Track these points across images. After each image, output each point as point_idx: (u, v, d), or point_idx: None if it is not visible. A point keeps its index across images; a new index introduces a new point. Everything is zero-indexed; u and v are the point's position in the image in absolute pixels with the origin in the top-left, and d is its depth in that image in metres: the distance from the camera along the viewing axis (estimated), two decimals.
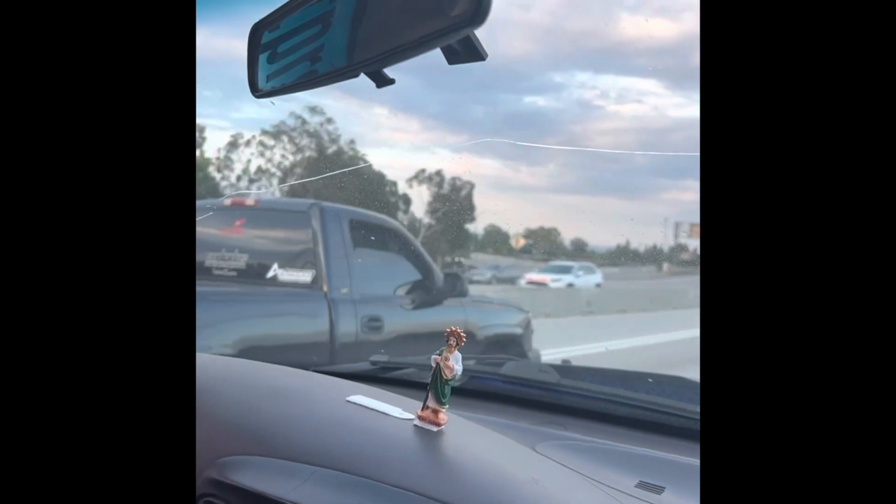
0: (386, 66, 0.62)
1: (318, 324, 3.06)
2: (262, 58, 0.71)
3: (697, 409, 1.05)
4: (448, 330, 0.70)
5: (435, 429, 0.71)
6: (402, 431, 0.72)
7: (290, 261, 3.30)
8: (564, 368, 1.23)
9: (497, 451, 0.75)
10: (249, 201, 3.59)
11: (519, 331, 4.37)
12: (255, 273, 3.37)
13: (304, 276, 3.21)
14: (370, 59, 0.61)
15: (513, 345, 4.23)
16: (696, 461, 0.88)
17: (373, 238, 3.59)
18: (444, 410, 0.71)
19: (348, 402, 0.80)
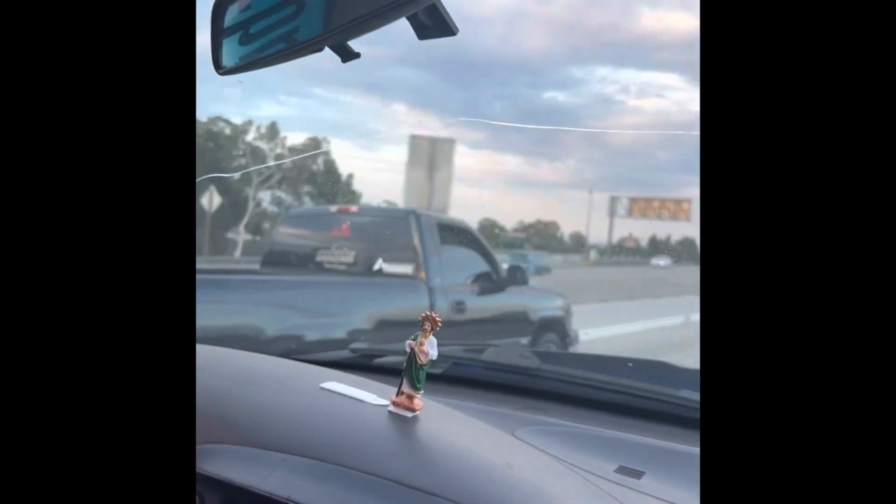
0: (350, 38, 0.60)
1: (421, 308, 3.88)
2: (231, 37, 0.69)
3: (678, 392, 1.08)
4: (423, 314, 0.70)
5: (410, 414, 0.69)
6: (376, 418, 0.71)
7: (392, 256, 4.11)
8: (546, 354, 1.27)
9: (473, 436, 0.74)
10: (353, 208, 4.40)
11: (562, 314, 5.20)
12: (361, 266, 4.18)
13: (406, 269, 4.02)
14: (333, 32, 0.59)
15: (558, 326, 5.06)
16: (676, 445, 0.91)
17: (453, 237, 4.40)
18: (419, 396, 0.70)
19: (322, 389, 0.79)
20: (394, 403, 0.70)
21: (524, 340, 4.63)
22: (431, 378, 1.18)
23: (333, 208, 4.50)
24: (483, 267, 4.51)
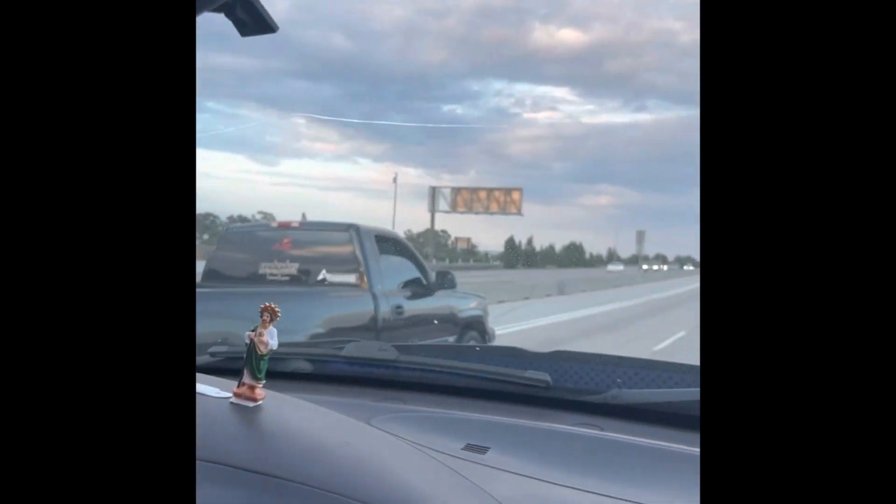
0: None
1: (366, 312, 4.25)
2: None
3: (524, 373, 1.13)
4: (262, 305, 0.70)
5: (252, 404, 0.70)
6: (216, 409, 0.70)
7: (335, 267, 4.46)
8: (404, 347, 1.32)
9: (314, 421, 0.75)
10: (294, 223, 4.70)
11: (481, 313, 5.71)
12: (304, 277, 4.49)
13: (349, 278, 4.38)
14: None
15: (478, 324, 5.57)
16: (520, 421, 0.96)
17: (388, 247, 4.79)
18: (260, 386, 0.71)
19: None
20: (235, 394, 0.70)
21: (451, 339, 5.11)
22: (298, 378, 1.16)
23: (274, 223, 4.78)
24: (415, 273, 4.93)
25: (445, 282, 5.06)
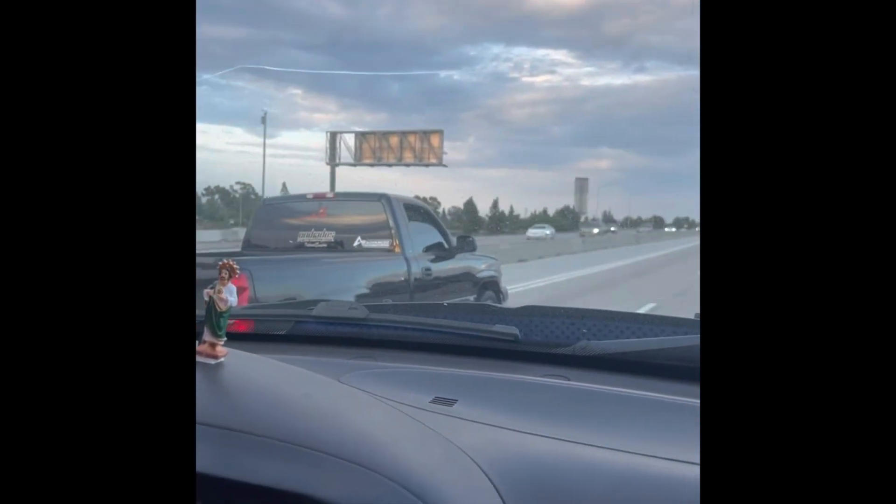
0: None
1: (401, 274, 4.69)
2: None
3: (492, 327, 1.16)
4: (220, 263, 0.70)
5: (213, 361, 0.70)
6: None
7: (369, 234, 4.88)
8: (374, 306, 1.33)
9: (277, 376, 0.76)
10: (329, 194, 5.10)
11: (496, 273, 6.17)
12: (340, 244, 4.91)
13: (384, 244, 4.81)
14: None
15: (493, 284, 6.03)
16: (487, 373, 1.00)
17: (414, 214, 5.21)
18: (221, 343, 0.70)
19: None
20: (196, 352, 0.69)
21: (471, 298, 5.57)
22: (269, 339, 1.21)
23: (309, 195, 5.18)
24: (438, 238, 5.37)
25: (466, 245, 5.50)
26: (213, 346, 0.71)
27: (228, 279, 0.71)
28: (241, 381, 0.70)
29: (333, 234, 4.96)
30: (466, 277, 5.60)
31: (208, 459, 0.55)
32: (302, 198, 5.22)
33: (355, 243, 4.90)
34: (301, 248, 4.96)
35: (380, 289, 4.51)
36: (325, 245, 4.93)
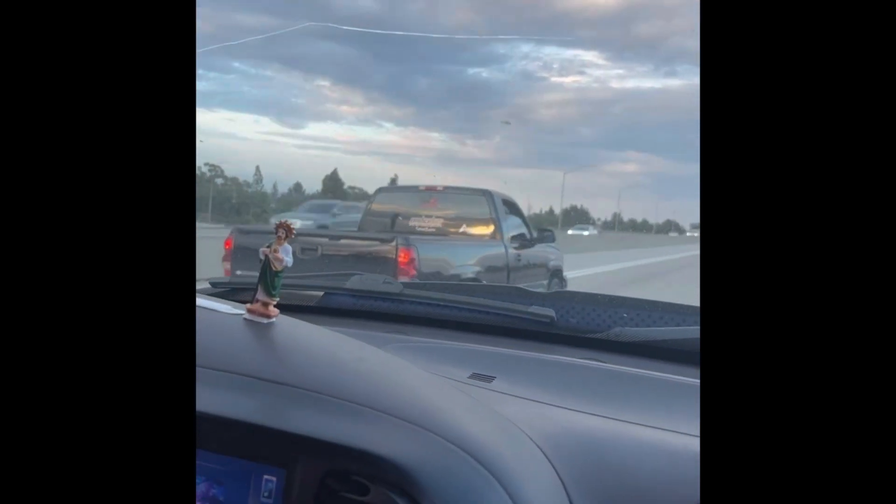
0: None
1: (501, 257, 5.63)
2: None
3: (528, 308, 1.17)
4: (277, 223, 0.70)
5: (266, 321, 0.70)
6: (230, 323, 0.70)
7: (473, 223, 5.81)
8: (408, 283, 1.28)
9: (329, 339, 0.76)
10: (438, 187, 6.04)
11: (561, 263, 7.11)
12: (447, 230, 5.84)
13: (487, 231, 5.74)
14: None
15: (560, 271, 6.98)
16: (524, 353, 1.01)
17: (509, 208, 6.14)
18: (274, 303, 0.71)
19: None
20: (249, 311, 0.71)
21: (545, 282, 6.51)
22: (301, 310, 1.25)
23: (421, 187, 6.11)
24: (523, 229, 6.31)
25: (545, 237, 6.44)
26: (266, 305, 0.70)
27: (285, 238, 0.70)
28: (295, 342, 0.70)
29: (441, 221, 5.89)
30: (542, 264, 6.53)
31: (262, 411, 0.56)
32: (414, 188, 6.16)
33: (460, 230, 5.83)
34: (411, 231, 5.89)
35: (490, 268, 5.44)
36: (432, 230, 5.86)
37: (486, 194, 5.84)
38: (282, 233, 0.70)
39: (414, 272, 4.36)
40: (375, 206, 6.26)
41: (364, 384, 0.63)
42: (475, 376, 0.87)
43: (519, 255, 5.89)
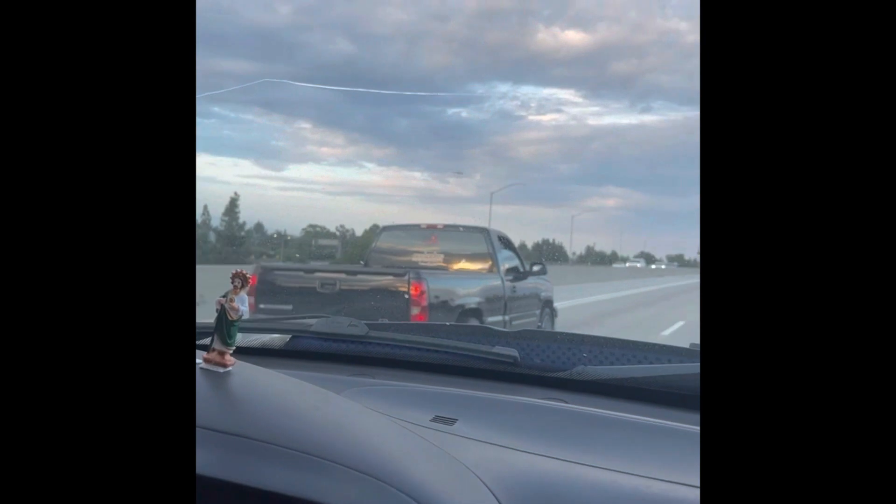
0: None
1: (498, 289, 6.16)
2: None
3: (492, 349, 1.18)
4: (233, 272, 0.70)
5: (221, 370, 0.69)
6: None
7: (471, 257, 6.35)
8: (373, 324, 1.29)
9: (285, 388, 0.75)
10: (439, 225, 6.59)
11: (551, 294, 7.65)
12: (448, 265, 6.36)
13: (485, 266, 6.28)
14: None
15: (550, 302, 7.51)
16: (487, 394, 1.00)
17: (503, 244, 6.70)
18: (230, 352, 0.71)
19: None
20: (205, 360, 0.70)
21: (537, 312, 7.04)
22: (266, 353, 1.31)
23: (423, 225, 6.66)
24: (516, 262, 6.85)
25: (537, 270, 6.99)
26: (222, 354, 0.71)
27: (241, 289, 0.70)
28: (249, 391, 0.69)
29: (442, 256, 6.43)
30: (535, 295, 7.07)
31: (217, 464, 0.56)
32: (416, 227, 6.70)
33: (460, 264, 6.37)
34: (416, 266, 6.42)
35: (489, 299, 5.97)
36: (434, 265, 6.39)
37: (483, 231, 6.40)
38: (237, 282, 0.71)
39: (425, 303, 4.87)
40: (381, 244, 6.79)
41: (318, 434, 0.62)
42: (437, 419, 0.88)
43: (514, 287, 6.43)
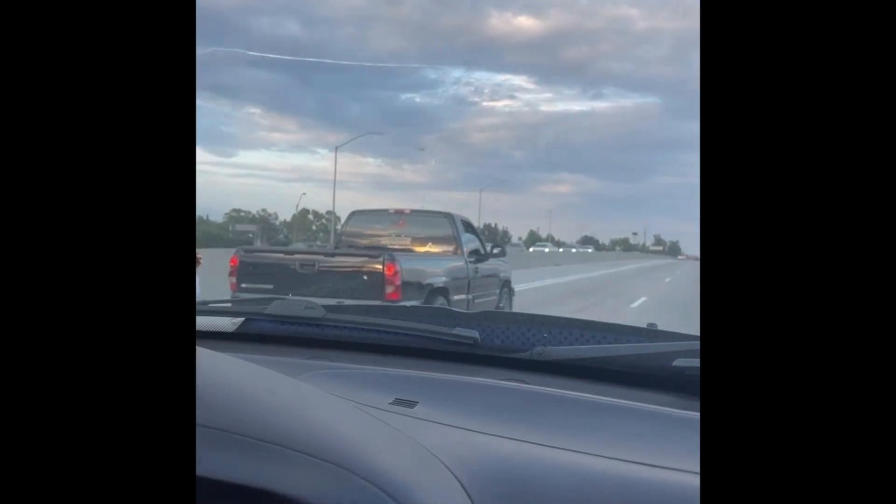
0: None
1: (462, 270, 6.60)
2: None
3: (452, 330, 1.18)
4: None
5: None
6: None
7: (437, 240, 6.77)
8: (331, 306, 1.27)
9: (238, 373, 0.73)
10: (406, 210, 6.99)
11: (510, 275, 8.14)
12: (415, 248, 6.77)
13: (450, 248, 6.71)
14: None
15: (509, 283, 8.01)
16: (447, 376, 1.00)
17: (466, 228, 7.13)
18: None
19: None
20: None
21: (497, 291, 7.52)
22: (220, 337, 1.29)
23: (391, 210, 7.04)
24: (478, 245, 7.31)
25: (497, 252, 7.46)
26: None
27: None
28: (203, 376, 0.64)
29: (409, 240, 6.84)
30: (495, 275, 7.54)
31: None
32: (385, 212, 7.09)
33: (427, 247, 6.79)
34: (384, 248, 6.80)
35: (454, 278, 6.40)
36: (402, 247, 6.79)
37: (448, 216, 6.83)
38: None
39: (398, 282, 5.28)
40: (350, 228, 7.15)
41: (275, 419, 0.60)
42: (397, 402, 0.87)
43: (476, 268, 6.89)
